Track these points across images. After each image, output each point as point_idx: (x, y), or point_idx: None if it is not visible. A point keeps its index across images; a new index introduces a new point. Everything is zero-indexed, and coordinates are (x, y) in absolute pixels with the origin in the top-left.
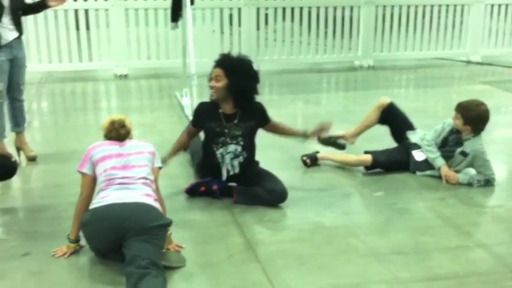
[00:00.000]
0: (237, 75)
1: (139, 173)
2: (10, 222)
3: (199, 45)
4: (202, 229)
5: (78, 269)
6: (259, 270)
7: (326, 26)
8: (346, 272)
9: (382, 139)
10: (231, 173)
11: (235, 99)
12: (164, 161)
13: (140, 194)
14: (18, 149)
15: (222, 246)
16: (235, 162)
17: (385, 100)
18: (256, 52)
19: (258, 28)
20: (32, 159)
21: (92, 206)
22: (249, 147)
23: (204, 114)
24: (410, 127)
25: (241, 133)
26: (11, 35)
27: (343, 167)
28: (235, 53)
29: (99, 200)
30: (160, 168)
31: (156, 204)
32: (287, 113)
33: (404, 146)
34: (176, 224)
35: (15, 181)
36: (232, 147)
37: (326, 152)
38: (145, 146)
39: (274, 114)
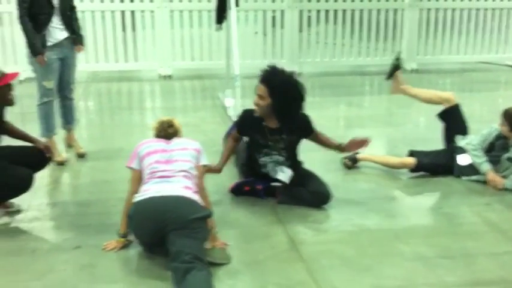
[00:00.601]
0: (281, 96)
1: (181, 166)
2: (61, 215)
3: (242, 46)
4: (246, 228)
5: (127, 263)
6: (303, 270)
7: (369, 29)
8: (391, 275)
9: (425, 145)
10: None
11: (278, 118)
12: (219, 169)
13: (179, 187)
14: (68, 146)
15: (267, 245)
16: (278, 169)
17: (454, 98)
18: (298, 54)
19: (300, 30)
20: (81, 156)
21: (134, 200)
22: (292, 157)
23: (248, 125)
24: (465, 133)
25: (285, 146)
26: (61, 34)
27: (385, 169)
28: (281, 67)
29: (141, 194)
30: (205, 166)
31: (196, 197)
32: (329, 115)
33: (450, 149)
34: (221, 223)
35: (65, 177)
36: (275, 157)
37: (367, 154)
38: (191, 143)
39: (316, 116)
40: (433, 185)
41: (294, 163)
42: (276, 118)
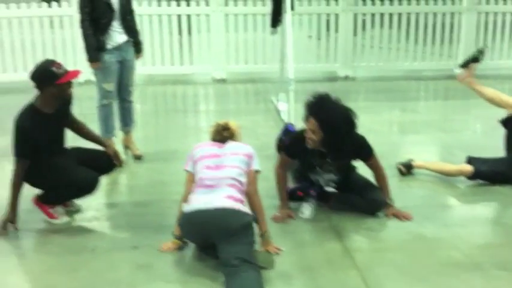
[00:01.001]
0: (333, 132)
1: (228, 173)
2: (118, 215)
3: (295, 50)
4: (300, 233)
5: (182, 264)
6: (358, 278)
7: (425, 33)
8: (449, 285)
9: (483, 152)
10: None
11: (330, 150)
12: (290, 213)
13: (222, 197)
14: (126, 148)
15: (320, 251)
16: (330, 184)
17: None
18: (352, 58)
19: (355, 34)
20: (137, 158)
21: (183, 209)
22: (344, 172)
23: (298, 149)
24: None
25: (336, 167)
26: (120, 38)
27: (441, 176)
28: (326, 94)
29: (189, 204)
30: (257, 171)
31: (238, 205)
32: (383, 120)
33: (511, 158)
34: (274, 228)
35: (123, 178)
36: (326, 176)
37: (422, 161)
38: (243, 147)
39: (369, 120)
40: (492, 194)
41: (346, 175)
42: (327, 150)
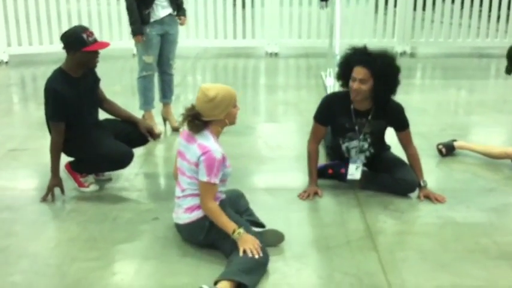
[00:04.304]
0: (386, 78)
1: (184, 183)
2: (147, 187)
3: (351, 25)
4: (324, 212)
5: None
6: (375, 260)
7: (490, 9)
8: (470, 273)
9: None
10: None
11: (376, 100)
12: (317, 190)
13: (182, 212)
14: (164, 119)
15: (342, 231)
16: (362, 157)
17: None
18: (411, 34)
19: (414, 9)
20: (175, 130)
21: None
22: (377, 144)
23: (334, 110)
24: None
25: (370, 131)
26: (163, 12)
27: (486, 159)
28: (375, 48)
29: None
30: (204, 183)
31: (194, 215)
32: (435, 99)
33: None
34: (301, 205)
35: (159, 148)
36: (359, 143)
37: (465, 142)
38: (194, 152)
39: (420, 99)
40: None
41: (378, 150)
42: (375, 99)
